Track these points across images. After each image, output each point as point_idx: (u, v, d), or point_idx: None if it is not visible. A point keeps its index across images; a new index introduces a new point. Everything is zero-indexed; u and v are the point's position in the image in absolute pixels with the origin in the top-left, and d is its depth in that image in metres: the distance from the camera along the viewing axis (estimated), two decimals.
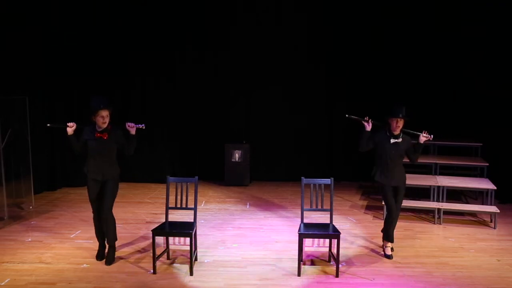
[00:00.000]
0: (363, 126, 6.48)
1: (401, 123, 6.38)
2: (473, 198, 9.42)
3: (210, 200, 9.31)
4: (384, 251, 6.70)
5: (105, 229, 6.34)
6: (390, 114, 6.37)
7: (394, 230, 6.71)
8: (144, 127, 6.27)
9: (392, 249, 6.69)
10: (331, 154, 10.56)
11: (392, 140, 6.42)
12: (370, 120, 6.45)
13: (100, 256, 6.44)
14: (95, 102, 6.10)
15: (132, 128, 6.21)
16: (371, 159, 10.01)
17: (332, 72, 10.41)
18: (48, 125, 6.54)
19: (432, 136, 6.45)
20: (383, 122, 6.55)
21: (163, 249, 6.45)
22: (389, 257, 6.58)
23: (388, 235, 6.65)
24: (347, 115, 6.64)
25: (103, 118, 6.09)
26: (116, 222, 7.80)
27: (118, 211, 8.48)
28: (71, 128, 6.20)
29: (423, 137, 6.46)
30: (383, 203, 7.07)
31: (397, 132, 6.42)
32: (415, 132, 6.53)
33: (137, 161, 9.91)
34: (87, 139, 6.18)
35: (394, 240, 6.82)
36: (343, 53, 10.32)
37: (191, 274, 6.00)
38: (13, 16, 8.84)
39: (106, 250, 6.44)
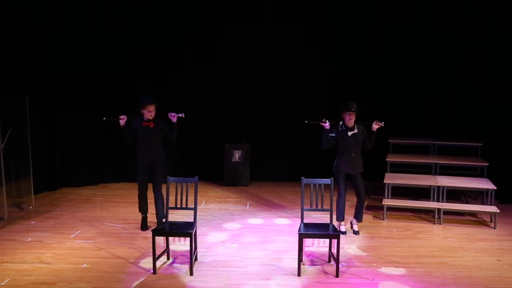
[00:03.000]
0: (323, 127, 7.30)
1: (353, 117, 7.17)
2: (473, 198, 9.42)
3: (210, 200, 9.31)
4: (352, 228, 7.59)
5: (156, 207, 7.33)
6: (343, 109, 7.21)
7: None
8: (184, 116, 7.28)
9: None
10: (331, 154, 10.53)
11: (349, 133, 7.23)
12: (327, 121, 7.27)
13: (144, 227, 7.50)
14: (144, 99, 7.16)
15: (173, 117, 7.25)
16: (371, 159, 10.10)
17: (333, 72, 10.40)
18: (104, 118, 7.51)
19: (383, 123, 7.20)
20: (338, 120, 7.35)
21: (163, 249, 6.45)
22: (356, 233, 7.49)
23: (358, 216, 7.58)
24: (306, 121, 7.49)
25: (150, 112, 7.13)
26: (116, 222, 7.99)
27: (119, 211, 8.52)
28: (123, 120, 7.18)
29: (375, 125, 7.22)
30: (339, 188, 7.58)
31: (351, 124, 7.21)
32: (367, 123, 7.28)
33: None
34: (136, 128, 7.22)
35: (393, 239, 7.16)
36: (343, 53, 10.30)
37: (191, 274, 6.00)
38: (13, 16, 8.83)
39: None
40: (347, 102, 7.25)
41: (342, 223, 7.59)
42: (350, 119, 7.18)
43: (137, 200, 7.58)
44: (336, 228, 6.19)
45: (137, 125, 7.24)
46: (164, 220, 6.71)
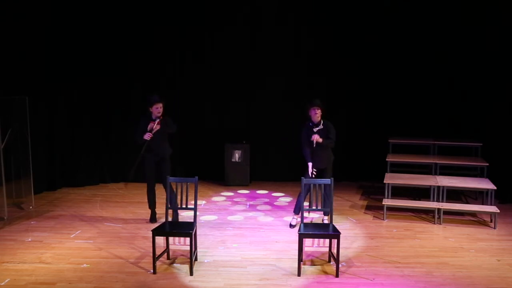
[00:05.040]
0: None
1: (319, 111, 7.43)
2: (473, 198, 9.41)
3: (210, 200, 9.32)
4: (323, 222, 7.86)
5: (168, 201, 7.13)
6: (309, 106, 7.47)
7: None
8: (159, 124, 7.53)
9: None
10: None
11: (315, 129, 7.47)
12: (313, 171, 7.48)
13: (153, 219, 7.86)
14: (151, 97, 7.58)
15: (148, 136, 7.50)
16: (371, 160, 10.12)
17: (332, 71, 10.39)
18: (142, 153, 7.61)
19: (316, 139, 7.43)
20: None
21: (163, 249, 6.45)
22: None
23: (326, 211, 7.61)
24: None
25: (158, 109, 7.51)
26: (116, 222, 7.98)
27: (118, 211, 8.52)
28: (149, 136, 7.54)
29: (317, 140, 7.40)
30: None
31: (317, 120, 7.48)
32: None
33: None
34: (144, 128, 7.56)
35: (393, 239, 7.17)
36: (343, 53, 10.28)
37: (191, 274, 6.00)
38: (13, 16, 8.83)
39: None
40: (312, 99, 7.54)
41: (295, 216, 7.78)
42: (315, 114, 7.43)
43: (138, 200, 7.69)
44: (336, 228, 6.19)
45: (145, 126, 7.57)
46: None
